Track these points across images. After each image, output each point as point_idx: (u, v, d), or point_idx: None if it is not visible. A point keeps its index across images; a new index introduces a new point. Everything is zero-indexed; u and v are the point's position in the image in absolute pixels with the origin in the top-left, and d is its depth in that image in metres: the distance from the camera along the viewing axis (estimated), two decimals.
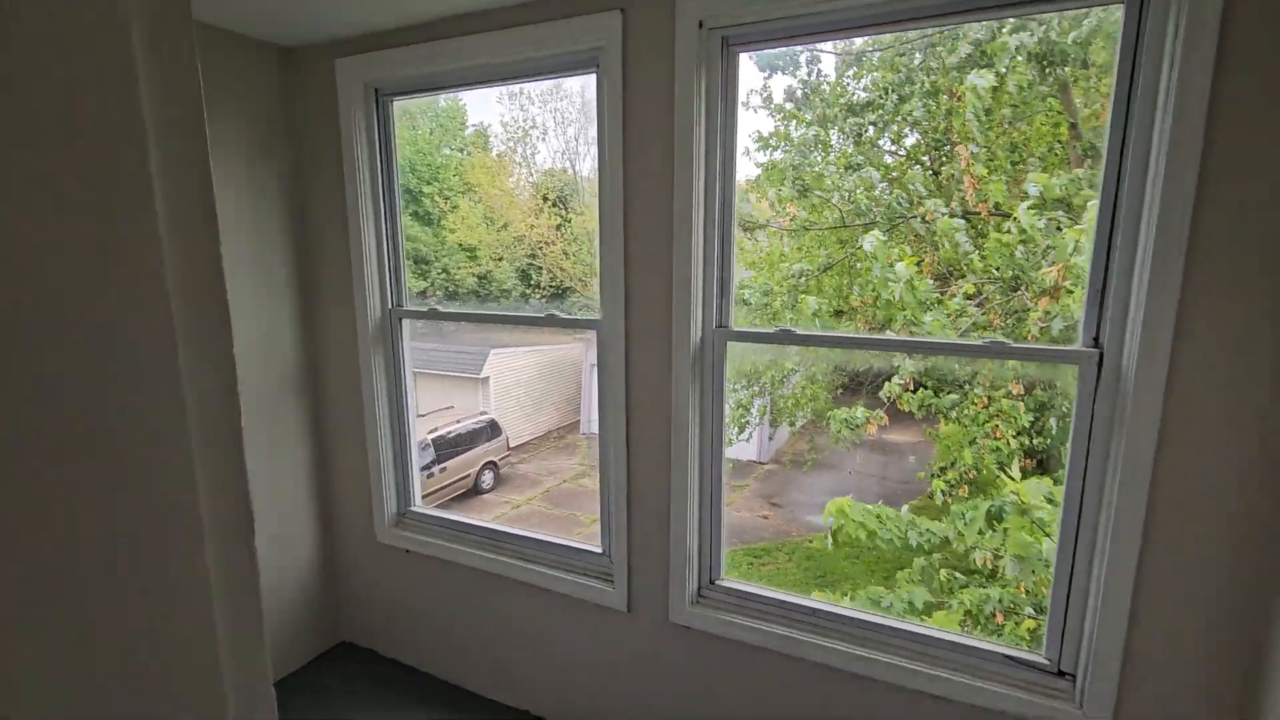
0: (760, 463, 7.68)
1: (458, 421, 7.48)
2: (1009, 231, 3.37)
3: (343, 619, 2.90)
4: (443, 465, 7.28)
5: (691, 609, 2.09)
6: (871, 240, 3.42)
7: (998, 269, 3.62)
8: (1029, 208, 3.19)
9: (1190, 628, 1.51)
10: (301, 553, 2.72)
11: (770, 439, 7.52)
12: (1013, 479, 3.24)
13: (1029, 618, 2.91)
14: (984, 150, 3.95)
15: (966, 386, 4.05)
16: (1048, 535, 2.75)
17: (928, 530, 3.49)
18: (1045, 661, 1.71)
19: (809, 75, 4.68)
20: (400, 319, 2.56)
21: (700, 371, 2.00)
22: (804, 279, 4.63)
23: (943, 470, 4.10)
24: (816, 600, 1.98)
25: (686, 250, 1.90)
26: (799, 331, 1.93)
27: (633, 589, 2.19)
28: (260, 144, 2.41)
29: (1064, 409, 3.94)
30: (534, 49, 2.01)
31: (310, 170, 2.54)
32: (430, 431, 7.27)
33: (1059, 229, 3.27)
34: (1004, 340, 1.62)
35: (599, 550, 2.30)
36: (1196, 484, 1.46)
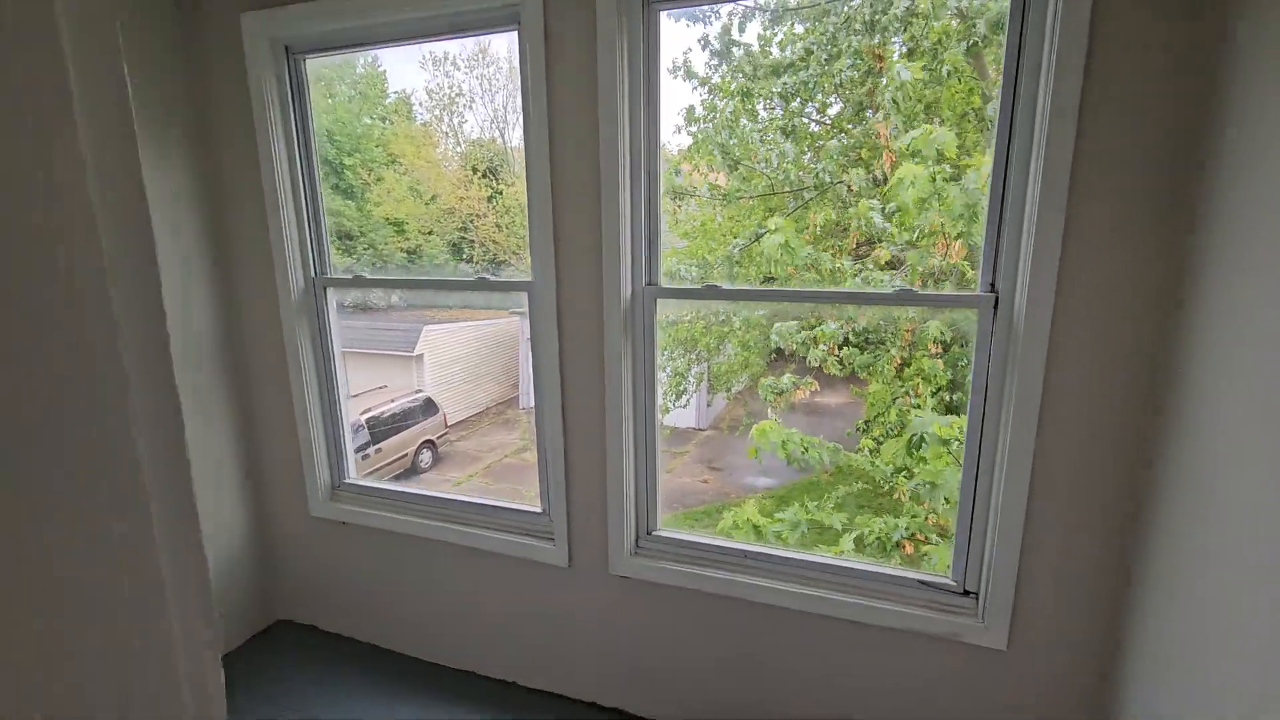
0: (699, 429, 7.86)
1: (392, 401, 7.30)
2: (910, 185, 3.52)
3: (279, 597, 2.85)
4: (378, 446, 7.11)
5: (631, 559, 2.16)
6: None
7: (905, 231, 3.79)
8: (916, 161, 3.32)
9: (1075, 548, 1.69)
10: (231, 531, 2.65)
11: (709, 406, 7.68)
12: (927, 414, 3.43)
13: (933, 544, 3.14)
14: (902, 122, 4.10)
15: (888, 345, 4.25)
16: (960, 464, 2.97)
17: (846, 456, 3.62)
18: (952, 583, 1.87)
19: (734, 34, 4.70)
20: (325, 288, 2.49)
21: (632, 329, 2.05)
22: (737, 250, 4.73)
23: (868, 425, 4.31)
24: (744, 543, 2.09)
25: (615, 207, 1.93)
26: (725, 286, 2.00)
27: (573, 544, 2.24)
28: (159, 103, 2.28)
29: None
30: (453, 4, 1.97)
31: (219, 134, 2.42)
32: (363, 412, 7.07)
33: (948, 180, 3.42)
34: (911, 288, 1.74)
35: (539, 511, 2.34)
36: (1081, 414, 1.62)
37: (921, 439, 2.64)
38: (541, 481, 2.32)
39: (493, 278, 2.25)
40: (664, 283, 2.07)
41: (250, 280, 2.51)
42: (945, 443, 3.16)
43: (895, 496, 3.48)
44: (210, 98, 2.39)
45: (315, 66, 2.39)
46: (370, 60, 6.56)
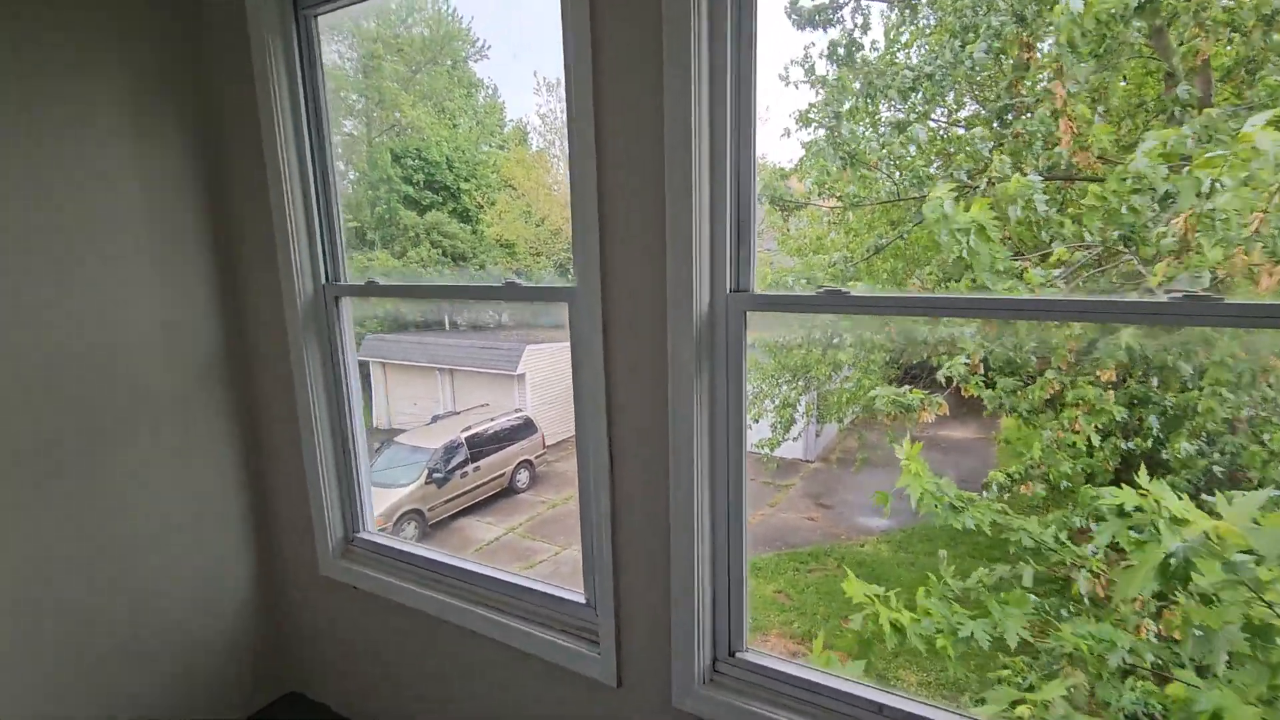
0: (807, 461, 7.08)
1: (492, 420, 7.14)
2: (1124, 180, 2.60)
3: (290, 665, 2.40)
4: (476, 464, 6.93)
5: (703, 690, 1.49)
6: (947, 204, 2.67)
7: (1096, 229, 2.86)
8: (1151, 152, 2.41)
9: None
10: (237, 584, 2.22)
11: (817, 435, 6.91)
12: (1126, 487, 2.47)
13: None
14: (1083, 87, 3.17)
15: (1033, 370, 3.30)
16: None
17: (1021, 528, 2.67)
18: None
19: (853, 34, 3.97)
20: (336, 298, 2.03)
21: (710, 352, 1.40)
22: (850, 265, 3.94)
23: (1014, 479, 3.35)
24: (881, 690, 1.35)
25: (685, 189, 1.30)
26: (853, 294, 1.30)
27: (623, 656, 1.60)
28: (152, 82, 1.91)
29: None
30: None
31: (223, 113, 2.03)
32: (464, 430, 6.92)
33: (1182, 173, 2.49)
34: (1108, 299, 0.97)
35: (581, 599, 1.72)
36: None
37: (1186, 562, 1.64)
38: (585, 558, 1.70)
39: (523, 282, 1.68)
40: (752, 271, 1.40)
41: (257, 289, 2.09)
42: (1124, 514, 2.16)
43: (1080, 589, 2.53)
44: (214, 72, 2.00)
45: (333, 52, 1.94)
46: (491, 92, 6.94)
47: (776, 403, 4.47)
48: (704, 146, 1.31)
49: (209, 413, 2.10)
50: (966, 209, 2.34)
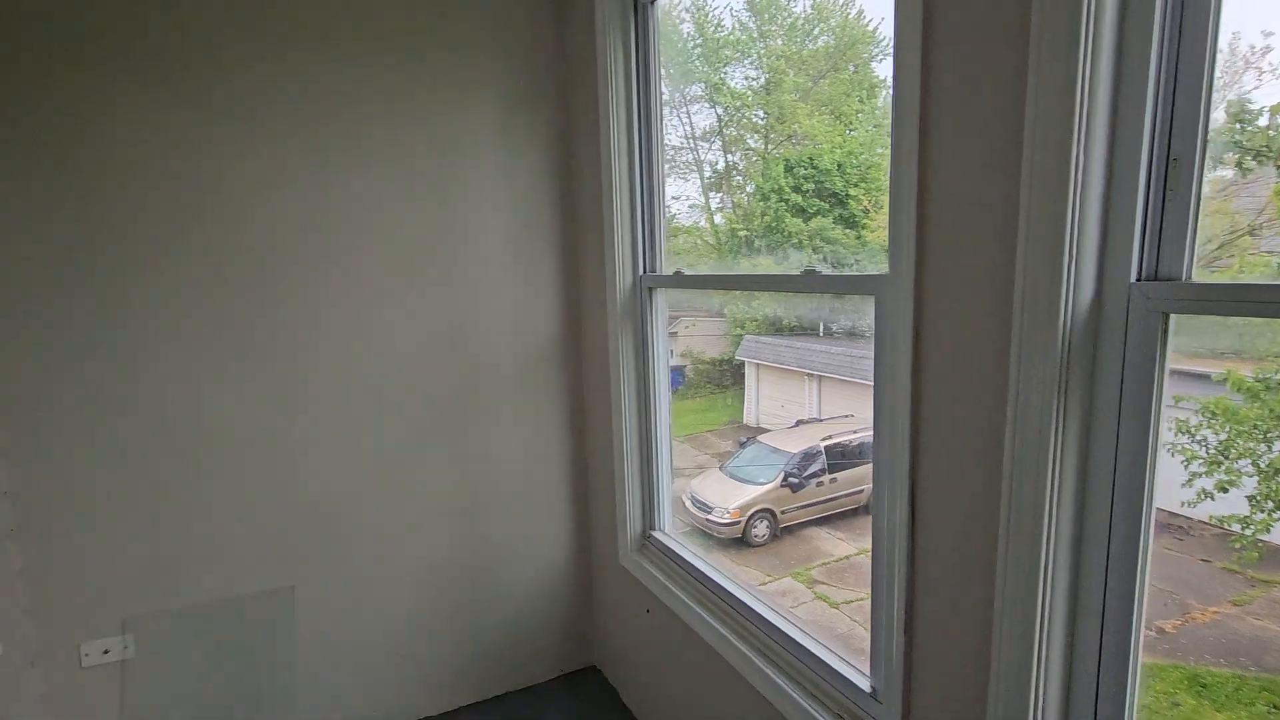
0: None
1: (854, 432, 6.72)
2: None
3: (593, 642, 2.51)
4: (833, 475, 6.62)
5: None
6: None
7: None
8: None
9: None
10: (556, 555, 2.41)
11: None
12: None
13: None
14: None
15: None
16: None
17: None
18: None
19: None
20: (650, 289, 1.99)
21: (1089, 368, 0.87)
22: None
23: None
24: None
25: (1056, 133, 0.81)
26: None
27: None
28: (527, 81, 2.14)
29: None
30: None
31: (574, 114, 2.18)
32: (825, 438, 6.68)
33: None
34: None
35: (866, 684, 1.31)
36: None
37: None
38: (874, 631, 1.29)
39: (824, 271, 1.34)
40: (1188, 245, 0.82)
41: (590, 278, 2.21)
42: None
43: None
44: (573, 68, 2.16)
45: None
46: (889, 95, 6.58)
47: (1263, 465, 2.98)
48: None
49: (546, 391, 2.31)
50: None
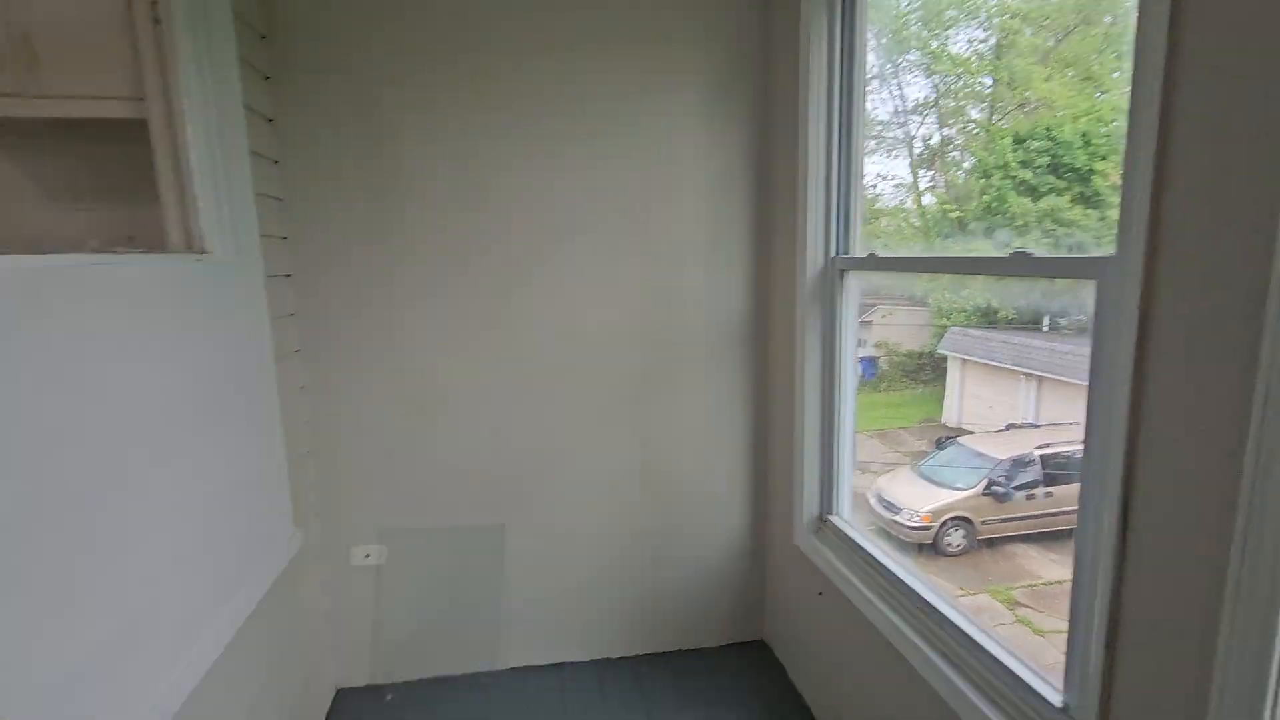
0: None
1: (1081, 444, 5.94)
2: None
3: (763, 617, 2.56)
4: (1049, 489, 5.93)
5: None
6: None
7: None
8: None
9: None
10: (733, 527, 2.49)
11: None
12: None
13: None
14: None
15: None
16: None
17: None
18: None
19: None
20: (842, 272, 1.96)
21: None
22: None
23: None
24: None
25: None
26: None
27: None
28: (731, 63, 2.20)
29: None
30: None
31: (773, 96, 2.19)
32: (1040, 446, 6.00)
33: None
34: None
35: (1057, 699, 1.22)
36: None
37: None
38: (1071, 643, 1.19)
39: (1035, 254, 1.24)
40: None
41: (780, 260, 2.23)
42: None
43: None
44: (774, 46, 2.18)
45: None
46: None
47: None
48: None
49: (730, 368, 2.38)
50: None
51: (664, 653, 2.50)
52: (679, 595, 2.48)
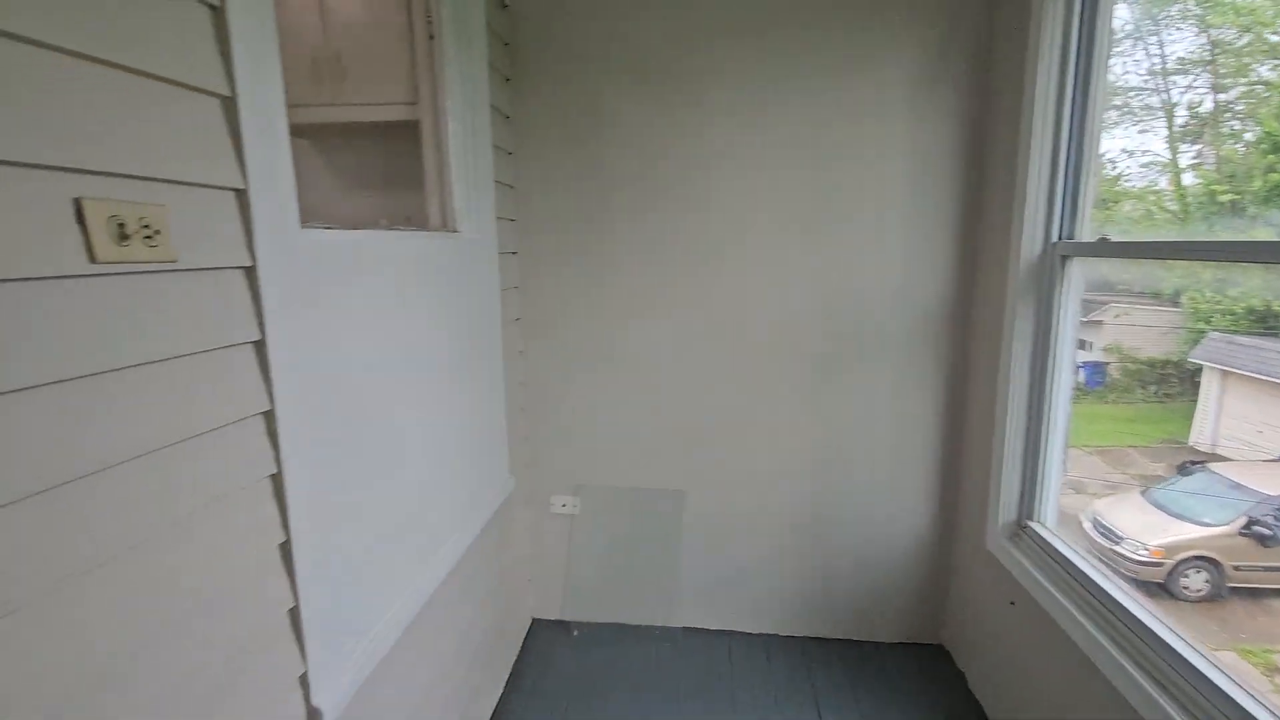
0: None
1: None
2: None
3: (943, 621, 2.43)
4: None
5: None
6: None
7: None
8: None
9: None
10: (915, 523, 2.40)
11: None
12: None
13: None
14: None
15: None
16: None
17: None
18: None
19: None
20: (1064, 258, 1.79)
21: None
22: None
23: None
24: None
25: None
26: None
27: None
28: (947, 29, 2.09)
29: None
30: None
31: (991, 72, 2.04)
32: None
33: None
34: None
35: None
36: None
37: None
38: None
39: None
40: None
41: (990, 246, 2.08)
42: None
43: None
44: (988, 35, 2.03)
45: None
46: None
47: None
48: None
49: (925, 357, 2.28)
50: None
51: (833, 639, 2.50)
52: (851, 584, 2.46)
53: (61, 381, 0.70)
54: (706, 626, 2.57)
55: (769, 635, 2.53)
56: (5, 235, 0.64)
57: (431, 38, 1.86)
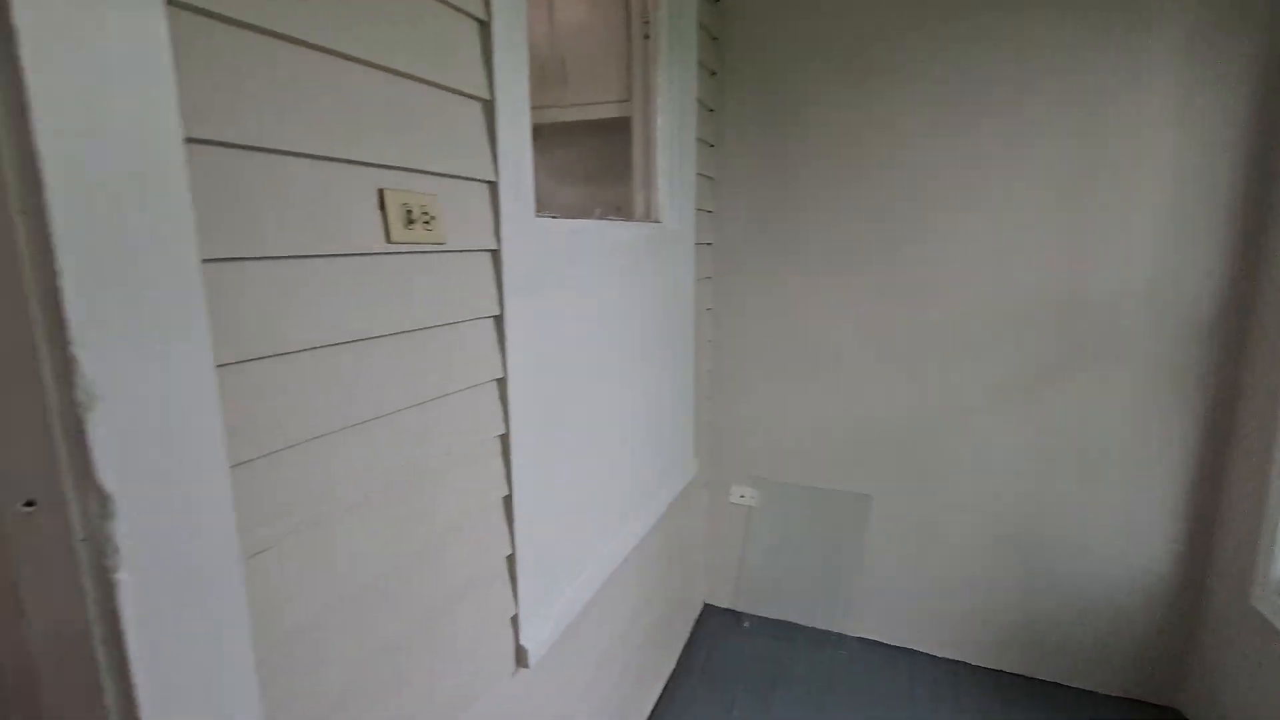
0: None
1: None
2: None
3: (1183, 679, 2.06)
4: None
5: None
6: None
7: None
8: None
9: None
10: (1152, 565, 2.06)
11: None
12: None
13: None
14: None
15: None
16: None
17: None
18: None
19: None
20: None
21: None
22: None
23: None
24: None
25: None
26: None
27: None
28: (1208, 22, 1.76)
29: None
30: None
31: None
32: None
33: None
34: None
35: None
36: None
37: None
38: None
39: None
40: None
41: None
42: None
43: None
44: None
45: None
46: None
47: None
48: None
49: (1180, 370, 1.95)
50: None
51: (1036, 679, 2.24)
52: (1062, 620, 2.18)
53: (363, 340, 0.85)
54: (884, 640, 2.44)
55: (957, 662, 2.34)
56: (338, 218, 0.80)
57: (647, 38, 1.95)
